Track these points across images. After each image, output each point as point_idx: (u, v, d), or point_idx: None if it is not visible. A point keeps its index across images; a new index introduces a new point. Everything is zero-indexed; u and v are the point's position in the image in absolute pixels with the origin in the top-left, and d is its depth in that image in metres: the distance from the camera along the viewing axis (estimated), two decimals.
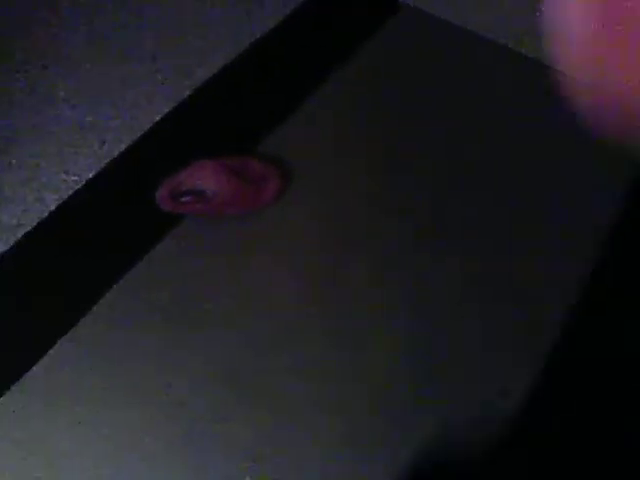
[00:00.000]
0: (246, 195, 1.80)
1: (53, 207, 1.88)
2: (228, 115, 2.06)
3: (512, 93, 2.12)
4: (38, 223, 1.86)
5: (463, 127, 2.04)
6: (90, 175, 1.93)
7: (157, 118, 2.04)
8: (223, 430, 1.52)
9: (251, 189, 1.81)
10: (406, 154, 1.96)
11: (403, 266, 1.75)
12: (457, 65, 2.22)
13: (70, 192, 1.90)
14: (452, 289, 1.71)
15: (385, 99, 2.10)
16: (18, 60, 2.24)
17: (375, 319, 1.66)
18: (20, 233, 1.84)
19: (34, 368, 1.61)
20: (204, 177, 1.79)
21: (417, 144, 1.98)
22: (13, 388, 1.58)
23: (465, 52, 2.24)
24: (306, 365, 1.59)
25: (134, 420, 1.53)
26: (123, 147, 1.99)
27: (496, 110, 2.07)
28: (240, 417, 1.53)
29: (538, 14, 1.61)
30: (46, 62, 2.24)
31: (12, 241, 1.83)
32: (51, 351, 1.63)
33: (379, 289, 1.69)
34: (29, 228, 1.85)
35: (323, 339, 1.62)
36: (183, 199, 1.78)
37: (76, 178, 1.93)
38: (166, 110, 2.06)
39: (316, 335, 1.63)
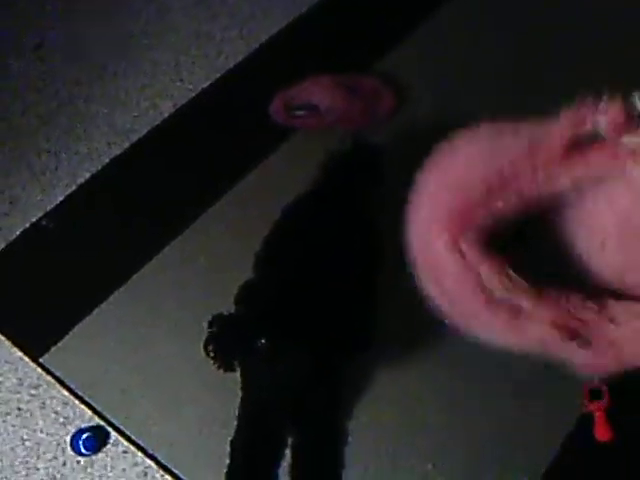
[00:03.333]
0: (359, 112, 1.77)
1: (166, 114, 1.88)
2: (345, 32, 2.01)
3: None
4: (150, 129, 1.86)
5: None
6: (205, 85, 1.92)
7: (274, 31, 2.01)
8: None
9: (364, 106, 1.78)
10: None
11: None
12: None
13: (184, 100, 1.90)
14: None
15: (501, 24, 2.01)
16: None
17: None
18: (134, 138, 1.85)
19: (141, 270, 1.62)
20: (318, 92, 1.78)
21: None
22: (121, 290, 1.60)
23: None
24: None
25: None
26: (239, 58, 1.96)
27: None
28: None
29: None
30: None
31: (125, 145, 1.84)
32: (159, 255, 1.64)
33: None
34: (142, 134, 1.86)
35: None
36: (296, 113, 1.77)
37: (191, 87, 1.92)
38: (283, 24, 2.02)
39: None
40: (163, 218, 1.70)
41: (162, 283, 1.60)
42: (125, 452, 1.44)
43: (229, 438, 1.34)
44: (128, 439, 1.43)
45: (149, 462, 1.41)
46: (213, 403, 1.45)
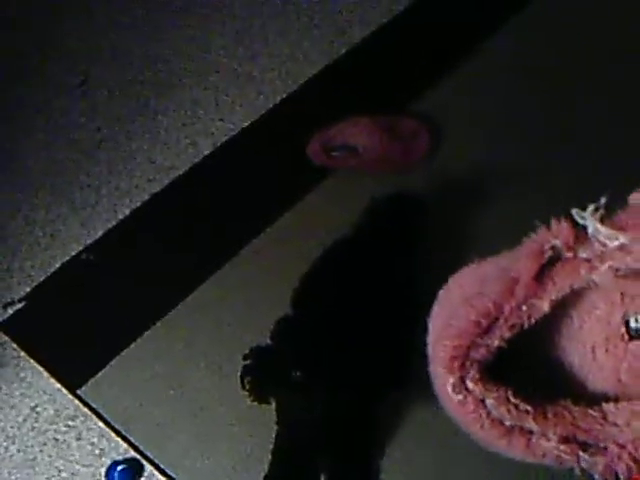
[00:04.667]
0: (397, 152, 1.79)
1: (206, 152, 1.91)
2: (382, 73, 2.04)
3: None
4: (191, 167, 1.90)
5: None
6: (245, 124, 1.95)
7: (312, 73, 2.04)
8: None
9: (402, 146, 1.80)
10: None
11: None
12: None
13: (223, 139, 1.93)
14: None
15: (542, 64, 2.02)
16: (177, 7, 2.29)
17: None
18: (173, 175, 1.89)
19: (179, 307, 1.65)
20: (356, 133, 1.80)
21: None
22: (158, 324, 1.63)
23: None
24: None
25: None
26: (278, 99, 2.00)
27: None
28: None
29: None
30: (206, 11, 2.27)
31: (165, 182, 1.87)
32: (196, 292, 1.66)
33: None
34: (182, 171, 1.89)
35: None
36: (334, 153, 1.78)
37: (231, 126, 1.96)
38: (322, 65, 2.05)
39: None
40: (201, 255, 1.73)
41: (199, 319, 1.62)
42: None
43: (263, 474, 1.35)
44: (162, 472, 1.44)
45: None
46: (248, 438, 1.45)
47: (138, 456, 1.48)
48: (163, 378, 1.55)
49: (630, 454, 1.17)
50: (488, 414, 1.19)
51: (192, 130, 1.97)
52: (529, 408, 1.17)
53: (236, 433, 1.47)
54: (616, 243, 1.12)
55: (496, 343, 1.20)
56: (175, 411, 1.51)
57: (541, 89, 1.94)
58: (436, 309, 1.34)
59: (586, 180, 1.61)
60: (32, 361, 1.62)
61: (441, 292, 1.35)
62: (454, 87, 1.96)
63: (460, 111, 1.92)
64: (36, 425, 1.56)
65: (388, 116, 1.85)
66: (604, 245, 1.12)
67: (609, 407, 1.21)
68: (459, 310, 1.23)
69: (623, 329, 1.23)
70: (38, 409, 1.58)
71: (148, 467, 1.47)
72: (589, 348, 1.27)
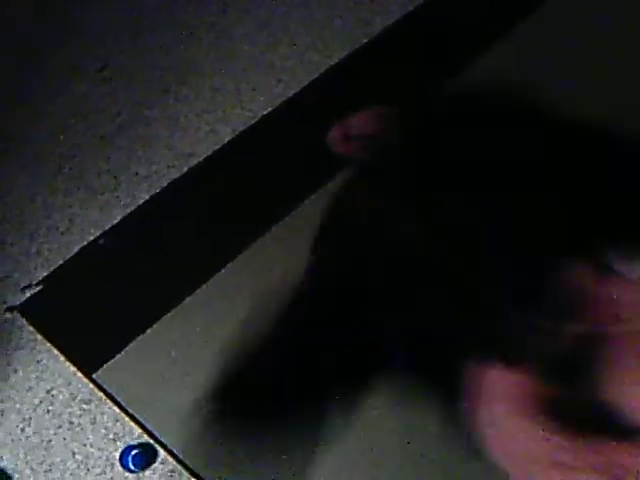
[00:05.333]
0: None
1: (226, 140, 1.91)
2: (403, 63, 2.02)
3: None
4: (209, 154, 1.89)
5: None
6: (265, 112, 1.94)
7: (333, 62, 2.03)
8: None
9: None
10: None
11: None
12: None
13: (243, 127, 1.93)
14: None
15: None
16: None
17: None
18: (193, 162, 1.88)
19: (196, 293, 1.65)
20: (376, 122, 1.78)
21: None
22: (175, 310, 1.63)
23: None
24: None
25: None
26: (298, 88, 1.99)
27: None
28: None
29: None
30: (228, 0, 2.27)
31: (184, 169, 1.87)
32: (214, 278, 1.66)
33: None
34: (201, 158, 1.89)
35: None
36: (354, 142, 1.77)
37: (250, 114, 1.95)
38: (343, 54, 2.04)
39: None
40: (219, 241, 1.73)
41: (216, 305, 1.62)
42: (172, 472, 1.46)
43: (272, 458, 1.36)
44: (176, 458, 1.44)
45: None
46: (262, 427, 1.45)
47: (152, 441, 1.47)
48: (179, 365, 1.55)
49: None
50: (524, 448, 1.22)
51: (212, 117, 1.96)
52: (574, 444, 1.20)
53: (251, 422, 1.47)
54: None
55: None
56: (190, 398, 1.51)
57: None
58: None
59: None
60: (48, 344, 1.62)
61: None
62: (473, 79, 1.94)
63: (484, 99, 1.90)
64: (51, 408, 1.57)
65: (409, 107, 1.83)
66: None
67: None
68: None
69: None
70: (54, 392, 1.58)
71: (162, 452, 1.47)
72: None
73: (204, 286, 1.64)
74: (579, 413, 1.30)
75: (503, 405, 1.25)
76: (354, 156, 1.79)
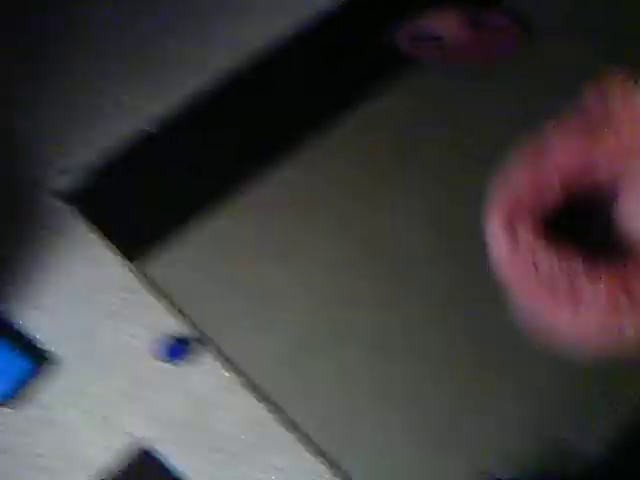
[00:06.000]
0: (484, 45, 1.73)
1: (289, 33, 1.82)
2: None
3: None
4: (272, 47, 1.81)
5: None
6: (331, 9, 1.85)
7: None
8: None
9: (489, 41, 1.73)
10: None
11: None
12: None
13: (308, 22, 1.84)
14: None
15: None
16: None
17: None
18: (251, 51, 1.80)
19: (247, 188, 1.59)
20: (444, 23, 1.72)
21: None
22: (225, 202, 1.57)
23: None
24: None
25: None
26: None
27: None
28: None
29: None
30: None
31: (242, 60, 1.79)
32: (267, 173, 1.60)
33: None
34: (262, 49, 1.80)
35: None
36: (422, 43, 1.72)
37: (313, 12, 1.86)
38: None
39: None
40: (274, 136, 1.66)
41: (268, 201, 1.57)
42: (210, 364, 1.42)
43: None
44: (218, 351, 1.41)
45: (233, 376, 1.39)
46: (306, 327, 1.42)
47: (190, 334, 1.44)
48: (225, 259, 1.50)
49: None
50: (537, 269, 1.19)
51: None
52: (579, 264, 1.18)
53: (294, 321, 1.43)
54: None
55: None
56: (236, 293, 1.47)
57: None
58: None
59: None
60: (92, 231, 1.57)
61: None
62: None
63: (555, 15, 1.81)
64: (92, 295, 1.53)
65: (478, 9, 1.75)
66: None
67: None
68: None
69: None
70: (94, 278, 1.54)
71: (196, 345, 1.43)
72: None
73: (256, 180, 1.58)
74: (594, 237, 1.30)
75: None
76: (421, 57, 1.73)
